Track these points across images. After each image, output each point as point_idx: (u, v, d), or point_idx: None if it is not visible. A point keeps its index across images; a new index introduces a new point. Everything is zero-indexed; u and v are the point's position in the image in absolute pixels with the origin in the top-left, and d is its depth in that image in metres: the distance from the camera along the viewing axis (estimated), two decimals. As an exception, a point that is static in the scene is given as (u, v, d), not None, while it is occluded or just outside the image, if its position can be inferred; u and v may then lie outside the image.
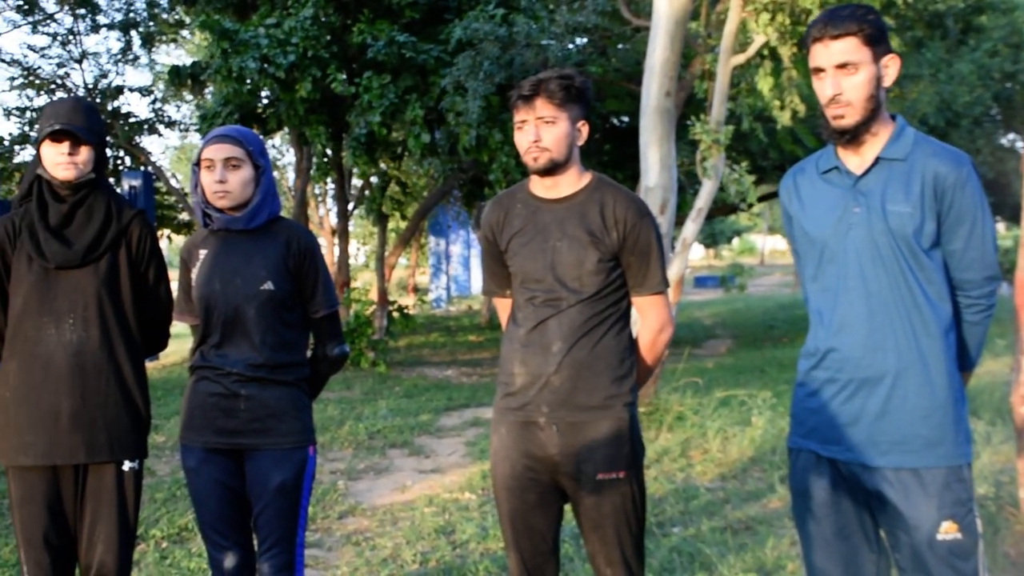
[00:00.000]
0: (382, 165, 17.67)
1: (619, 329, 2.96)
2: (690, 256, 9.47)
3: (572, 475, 2.91)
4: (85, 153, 3.15)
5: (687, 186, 15.38)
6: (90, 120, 3.17)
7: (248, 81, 12.03)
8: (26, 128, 18.08)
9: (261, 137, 3.36)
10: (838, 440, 2.62)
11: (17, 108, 18.54)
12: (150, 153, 19.51)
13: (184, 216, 20.29)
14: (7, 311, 3.19)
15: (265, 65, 11.64)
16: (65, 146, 3.12)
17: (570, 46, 12.34)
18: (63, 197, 3.17)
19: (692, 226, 8.97)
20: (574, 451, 2.90)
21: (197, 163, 3.22)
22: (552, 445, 2.92)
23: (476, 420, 9.14)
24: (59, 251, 3.11)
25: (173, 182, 21.11)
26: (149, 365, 13.41)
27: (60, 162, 3.12)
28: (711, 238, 57.98)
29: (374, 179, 19.20)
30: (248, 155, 3.20)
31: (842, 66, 2.54)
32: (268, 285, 3.15)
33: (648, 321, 3.04)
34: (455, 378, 13.00)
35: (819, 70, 2.58)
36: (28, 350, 3.11)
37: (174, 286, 3.43)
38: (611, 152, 15.73)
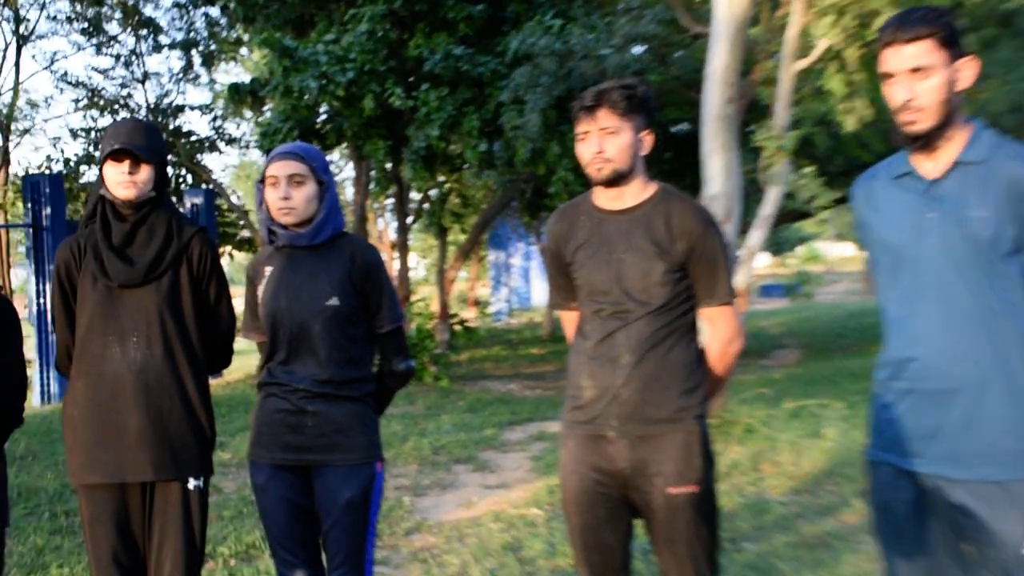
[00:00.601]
0: (441, 178, 17.79)
1: (687, 341, 2.93)
2: (755, 264, 9.36)
3: (642, 489, 2.88)
4: (145, 172, 3.20)
5: (751, 193, 15.24)
6: (149, 139, 3.22)
7: (307, 97, 12.19)
8: (90, 148, 18.54)
9: (323, 153, 3.40)
10: (919, 452, 2.56)
11: (82, 129, 19.03)
12: (211, 171, 19.84)
13: (245, 233, 20.62)
14: (74, 330, 3.25)
15: (325, 83, 11.79)
16: (125, 165, 3.17)
17: (628, 55, 12.32)
18: (125, 216, 3.24)
19: (758, 234, 8.87)
20: (644, 465, 2.87)
21: (262, 180, 3.27)
22: (622, 459, 2.89)
23: (541, 434, 9.11)
24: (121, 270, 3.17)
25: (234, 199, 21.48)
26: (213, 382, 13.61)
27: (120, 181, 3.18)
28: (776, 246, 57.34)
29: (433, 192, 19.35)
30: (311, 171, 3.23)
31: (915, 70, 2.49)
32: (333, 301, 3.18)
33: (717, 333, 3.01)
34: (518, 392, 12.99)
35: (890, 75, 2.53)
36: (94, 368, 3.16)
37: (236, 303, 3.48)
38: (671, 160, 15.63)
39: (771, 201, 8.85)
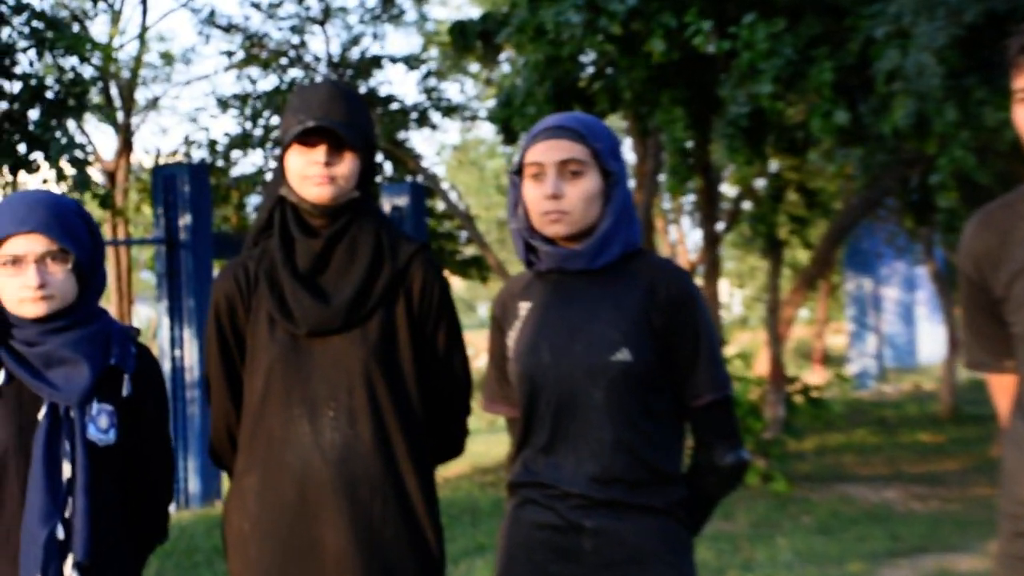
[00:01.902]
0: (772, 163, 17.60)
1: None
2: None
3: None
4: (348, 162, 3.34)
5: None
6: (354, 113, 3.36)
7: (567, 40, 12.38)
8: (247, 125, 19.33)
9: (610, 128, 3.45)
10: None
11: (236, 96, 19.79)
12: (420, 155, 20.34)
13: (470, 251, 21.02)
14: (240, 400, 3.42)
15: (593, 16, 11.94)
16: (320, 152, 3.32)
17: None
18: (316, 229, 3.38)
19: None
20: None
21: (517, 170, 3.34)
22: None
23: (943, 572, 8.86)
24: (312, 309, 3.31)
25: (453, 197, 21.91)
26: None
27: (311, 175, 3.32)
28: None
29: (760, 184, 19.17)
30: (595, 157, 3.28)
31: None
32: (623, 354, 3.21)
33: None
34: (900, 503, 12.68)
35: None
36: (273, 458, 3.31)
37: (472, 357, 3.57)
38: None
39: None
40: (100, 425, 3.25)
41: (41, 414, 3.21)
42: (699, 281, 17.01)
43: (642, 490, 3.22)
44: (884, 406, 24.66)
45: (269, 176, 18.69)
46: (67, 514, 3.18)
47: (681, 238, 28.91)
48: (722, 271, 27.36)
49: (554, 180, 3.25)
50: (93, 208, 12.84)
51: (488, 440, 17.87)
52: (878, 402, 25.88)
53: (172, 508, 13.04)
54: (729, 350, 21.24)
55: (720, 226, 19.08)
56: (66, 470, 3.20)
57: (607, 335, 3.23)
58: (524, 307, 3.37)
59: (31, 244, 3.19)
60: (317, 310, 3.31)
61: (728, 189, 22.33)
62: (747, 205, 20.23)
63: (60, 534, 3.17)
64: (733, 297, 43.83)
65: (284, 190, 3.40)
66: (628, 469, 3.20)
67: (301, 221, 3.39)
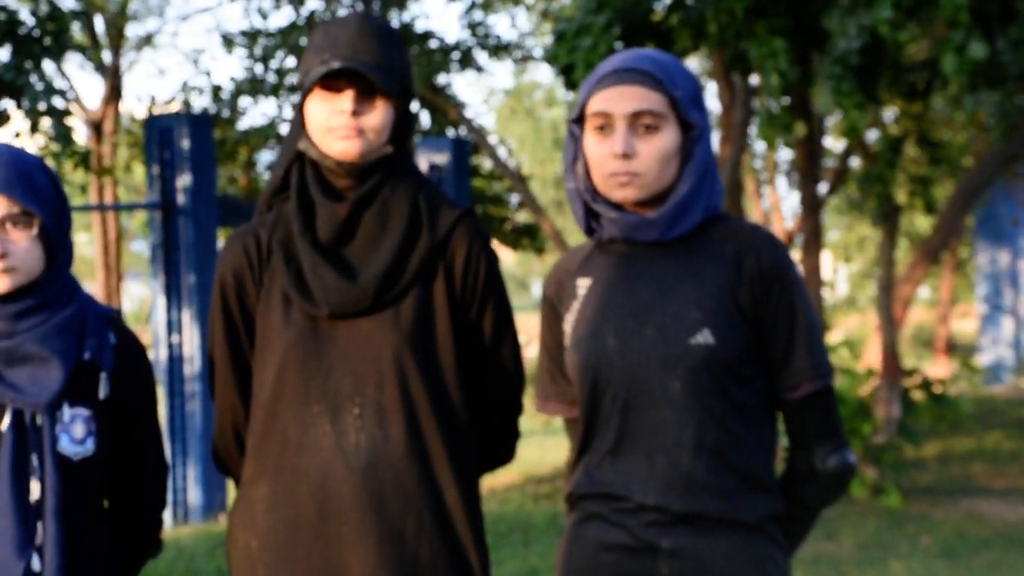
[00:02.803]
0: (888, 110, 17.52)
1: None
2: None
3: None
4: (380, 112, 3.34)
5: None
6: (388, 53, 3.36)
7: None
8: (257, 68, 19.38)
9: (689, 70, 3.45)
10: None
11: (244, 32, 19.88)
12: (462, 104, 20.35)
13: (523, 217, 21.04)
14: (250, 394, 3.44)
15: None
16: (347, 99, 3.32)
17: None
18: (340, 191, 3.39)
19: None
20: None
21: (577, 119, 3.35)
22: None
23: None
24: (335, 286, 3.32)
25: (502, 153, 21.91)
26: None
27: (336, 127, 3.33)
28: None
29: (872, 137, 19.09)
30: (673, 106, 3.29)
31: None
32: (704, 337, 3.22)
33: None
34: (1044, 524, 12.62)
35: None
36: (287, 464, 3.33)
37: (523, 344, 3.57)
38: None
39: None
40: (74, 435, 3.24)
41: (4, 424, 3.19)
42: (796, 254, 16.99)
43: (729, 501, 3.23)
44: (1022, 404, 24.52)
45: (283, 129, 18.75)
46: (38, 541, 3.17)
47: (776, 202, 28.80)
48: (825, 242, 27.27)
49: (624, 135, 3.25)
50: (72, 169, 12.79)
51: (542, 444, 17.90)
52: (1015, 400, 25.73)
53: (169, 523, 13.17)
54: (833, 336, 21.22)
55: (823, 188, 19.03)
56: (34, 490, 3.19)
57: (685, 315, 3.24)
58: (583, 285, 3.38)
59: None
60: (341, 287, 3.31)
61: (833, 143, 22.28)
62: (856, 162, 20.16)
63: (36, 565, 3.17)
64: (838, 273, 43.63)
65: (303, 144, 3.39)
66: (712, 475, 3.21)
67: (323, 181, 3.39)
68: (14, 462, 3.17)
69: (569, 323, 3.38)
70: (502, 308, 3.47)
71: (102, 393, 3.29)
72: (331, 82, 3.32)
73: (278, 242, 3.40)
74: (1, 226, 3.17)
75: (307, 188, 3.40)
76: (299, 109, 3.41)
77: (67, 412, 3.23)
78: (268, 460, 3.36)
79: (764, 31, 12.93)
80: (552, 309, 3.46)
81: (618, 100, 3.27)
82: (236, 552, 3.43)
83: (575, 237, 29.26)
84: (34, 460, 3.19)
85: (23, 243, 3.18)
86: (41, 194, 3.22)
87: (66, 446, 3.22)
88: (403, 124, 3.42)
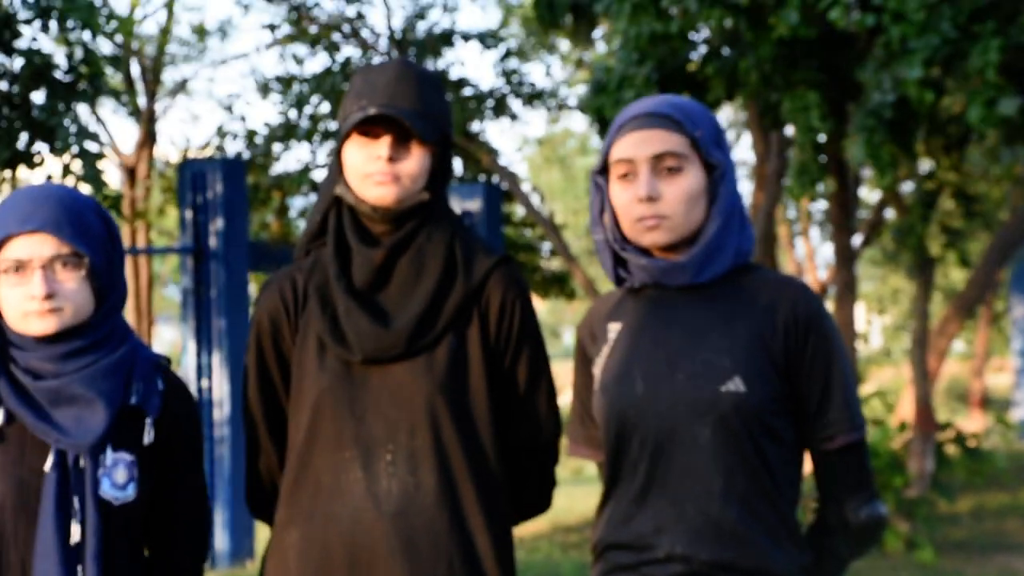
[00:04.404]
0: (924, 163, 17.49)
1: None
2: None
3: None
4: (417, 158, 3.37)
5: None
6: (426, 100, 3.39)
7: (676, 14, 12.37)
8: (291, 114, 19.42)
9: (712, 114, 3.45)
10: None
11: (279, 79, 19.94)
12: (496, 151, 20.37)
13: (555, 265, 21.03)
14: (284, 439, 3.45)
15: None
16: (384, 145, 3.35)
17: None
18: (376, 236, 3.41)
19: None
20: None
21: (602, 170, 3.36)
22: None
23: None
24: (369, 332, 3.33)
25: (535, 201, 21.94)
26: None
27: (372, 172, 3.35)
28: None
29: (907, 189, 19.05)
30: (694, 147, 3.30)
31: None
32: (735, 384, 3.22)
33: None
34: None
35: None
36: (320, 509, 3.34)
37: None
38: None
39: None
40: (116, 479, 3.24)
41: (48, 464, 3.19)
42: (830, 305, 16.94)
43: (759, 551, 3.22)
44: (1058, 460, 24.40)
45: (316, 175, 18.76)
46: None
47: (810, 253, 28.75)
48: (858, 293, 27.22)
49: (648, 179, 3.27)
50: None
51: (572, 493, 17.83)
52: (1051, 455, 25.60)
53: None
54: (866, 388, 21.14)
55: (857, 239, 18.98)
56: (75, 533, 3.17)
57: (715, 362, 3.24)
58: (614, 329, 3.39)
59: (37, 246, 3.17)
60: (375, 333, 3.32)
61: (868, 194, 22.22)
62: (891, 214, 20.11)
63: None
64: (871, 325, 43.51)
65: (340, 189, 3.42)
66: (742, 524, 3.21)
67: (360, 227, 3.41)
68: (58, 503, 3.16)
69: (598, 367, 3.39)
70: (537, 356, 3.47)
71: (147, 439, 3.29)
72: (368, 128, 3.35)
73: (314, 287, 3.41)
74: (50, 266, 3.16)
75: (344, 233, 3.42)
76: (337, 154, 3.43)
77: (110, 456, 3.23)
78: (301, 505, 3.36)
79: (798, 82, 12.94)
80: (583, 353, 3.47)
81: (639, 145, 3.29)
82: None
83: (607, 286, 29.14)
84: (76, 502, 3.17)
85: (71, 284, 3.19)
86: (91, 235, 3.22)
87: (108, 490, 3.21)
88: (441, 170, 3.44)
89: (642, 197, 3.25)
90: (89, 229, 3.22)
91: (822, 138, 14.16)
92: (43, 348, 3.21)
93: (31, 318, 3.18)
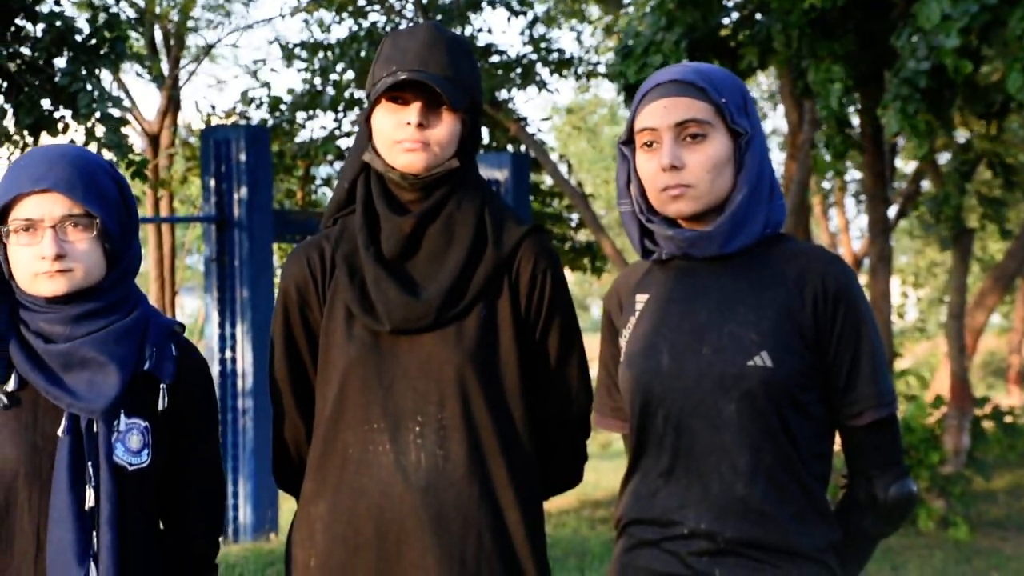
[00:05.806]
0: (960, 132, 17.42)
1: None
2: None
3: None
4: (447, 125, 3.35)
5: None
6: (457, 65, 3.37)
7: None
8: (317, 81, 19.41)
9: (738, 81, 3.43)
10: None
11: (304, 44, 19.90)
12: (523, 119, 20.32)
13: (583, 236, 20.99)
14: (310, 411, 3.44)
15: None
16: (413, 111, 3.32)
17: None
18: (405, 205, 3.39)
19: None
20: None
21: (628, 139, 3.34)
22: None
23: None
24: (398, 302, 3.31)
25: (563, 170, 21.89)
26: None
27: (402, 139, 3.33)
28: None
29: (943, 160, 18.99)
30: (719, 113, 3.27)
31: None
32: (763, 360, 3.20)
33: None
34: None
35: None
36: (347, 482, 3.33)
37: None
38: None
39: None
40: (130, 445, 3.23)
41: (61, 429, 3.18)
42: (863, 278, 16.90)
43: (785, 528, 3.20)
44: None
45: (343, 142, 18.76)
46: (93, 550, 3.15)
47: (844, 225, 28.65)
48: (894, 266, 27.13)
49: (671, 147, 3.24)
50: (128, 180, 12.74)
51: (599, 467, 17.89)
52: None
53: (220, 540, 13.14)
54: (901, 363, 21.09)
55: (892, 210, 18.92)
56: (89, 497, 3.17)
57: (743, 336, 3.22)
58: (641, 300, 3.37)
59: (48, 205, 3.16)
60: (404, 303, 3.30)
61: (904, 164, 22.16)
62: (927, 184, 20.04)
63: (93, 574, 3.15)
64: (907, 299, 43.32)
65: (369, 156, 3.40)
66: (768, 501, 3.19)
67: (389, 195, 3.39)
68: (71, 468, 3.15)
69: (625, 339, 3.37)
70: (569, 327, 3.46)
71: (161, 405, 3.28)
72: (398, 94, 3.33)
73: (342, 256, 3.40)
74: (61, 227, 3.15)
75: (372, 201, 3.40)
76: (366, 120, 3.41)
77: (124, 422, 3.22)
78: (328, 478, 3.35)
79: (828, 52, 12.86)
80: (611, 324, 3.46)
81: (662, 113, 3.26)
82: (295, 570, 3.44)
83: (636, 258, 29.05)
84: (89, 468, 3.17)
85: (82, 245, 3.17)
86: (104, 196, 3.21)
87: (122, 456, 3.21)
88: (470, 137, 3.42)
89: (665, 166, 3.23)
90: (102, 190, 3.21)
91: (855, 109, 14.11)
92: (54, 310, 3.20)
93: (41, 279, 3.17)
